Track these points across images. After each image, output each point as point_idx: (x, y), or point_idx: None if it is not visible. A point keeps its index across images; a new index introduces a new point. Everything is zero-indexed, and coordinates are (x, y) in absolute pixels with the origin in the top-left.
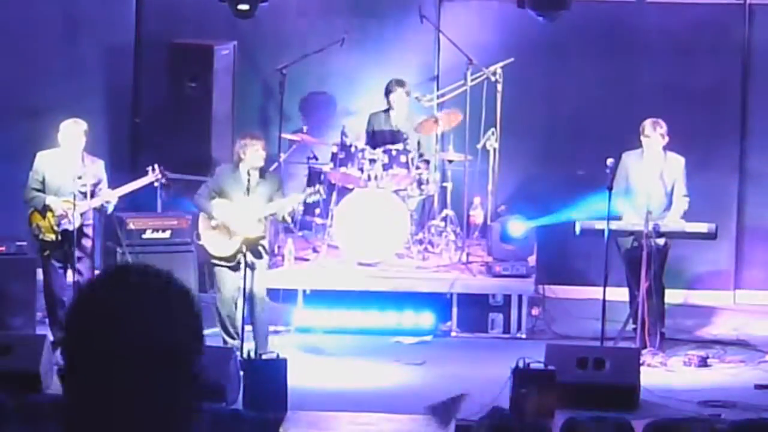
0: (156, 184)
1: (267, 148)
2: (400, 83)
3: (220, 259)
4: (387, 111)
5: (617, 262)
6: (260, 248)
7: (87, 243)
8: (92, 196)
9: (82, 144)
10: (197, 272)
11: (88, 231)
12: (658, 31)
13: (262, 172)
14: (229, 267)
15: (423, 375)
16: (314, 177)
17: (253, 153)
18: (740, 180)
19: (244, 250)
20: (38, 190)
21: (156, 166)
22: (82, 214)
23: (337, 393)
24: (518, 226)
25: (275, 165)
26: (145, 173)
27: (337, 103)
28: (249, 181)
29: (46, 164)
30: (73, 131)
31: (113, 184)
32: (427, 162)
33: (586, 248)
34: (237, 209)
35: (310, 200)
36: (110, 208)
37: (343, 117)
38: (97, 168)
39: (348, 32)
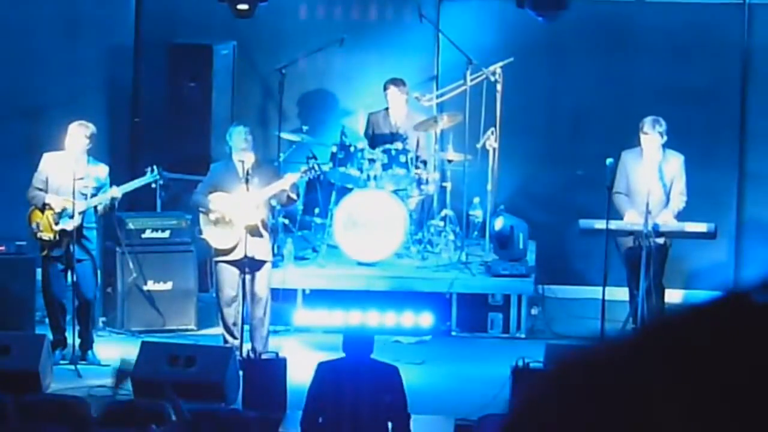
0: (153, 185)
1: (258, 141)
2: (394, 81)
3: (223, 252)
4: (386, 110)
5: (617, 262)
6: (263, 245)
7: (88, 245)
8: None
9: (85, 146)
10: (197, 272)
11: (90, 234)
12: (658, 31)
13: (258, 162)
14: (231, 262)
15: (423, 375)
16: (313, 177)
17: (236, 136)
18: (739, 179)
19: (245, 238)
20: (40, 190)
21: (155, 166)
22: (81, 214)
23: None
24: (499, 222)
25: (275, 165)
26: (144, 173)
27: (337, 103)
28: (244, 169)
29: (51, 165)
30: (76, 133)
31: (113, 184)
32: (425, 163)
33: (586, 248)
34: (234, 198)
35: (306, 178)
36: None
37: (343, 117)
38: (100, 172)
39: (347, 32)
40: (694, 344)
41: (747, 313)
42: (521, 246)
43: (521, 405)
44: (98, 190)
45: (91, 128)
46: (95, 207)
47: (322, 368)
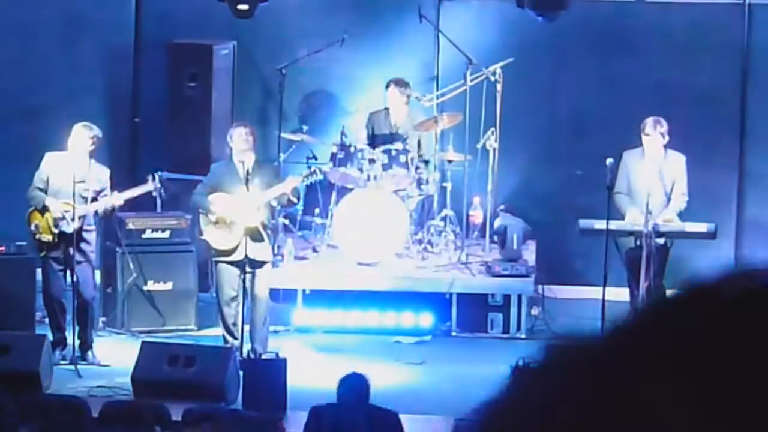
0: (154, 193)
1: (258, 141)
2: (397, 82)
3: (224, 253)
4: (387, 110)
5: (617, 262)
6: (263, 246)
7: (87, 248)
8: (94, 202)
9: (88, 149)
10: (197, 272)
11: (89, 236)
12: (658, 31)
13: (258, 162)
14: (231, 262)
15: (422, 375)
16: (315, 182)
17: (237, 137)
18: (740, 179)
19: (245, 240)
20: (41, 190)
21: (156, 174)
22: (81, 218)
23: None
24: (496, 222)
25: (275, 165)
26: (145, 181)
27: (337, 103)
28: (244, 170)
29: (52, 165)
30: (80, 135)
31: (113, 184)
32: (426, 162)
33: (586, 248)
34: (235, 200)
35: (307, 181)
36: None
37: (343, 117)
38: (102, 175)
39: (348, 32)
40: (677, 338)
41: (735, 304)
42: (515, 246)
43: (504, 399)
44: (98, 193)
45: (96, 130)
46: (95, 210)
47: (316, 414)
